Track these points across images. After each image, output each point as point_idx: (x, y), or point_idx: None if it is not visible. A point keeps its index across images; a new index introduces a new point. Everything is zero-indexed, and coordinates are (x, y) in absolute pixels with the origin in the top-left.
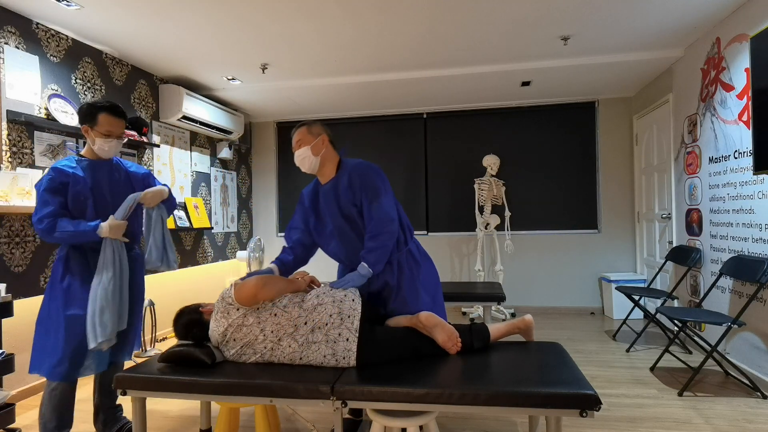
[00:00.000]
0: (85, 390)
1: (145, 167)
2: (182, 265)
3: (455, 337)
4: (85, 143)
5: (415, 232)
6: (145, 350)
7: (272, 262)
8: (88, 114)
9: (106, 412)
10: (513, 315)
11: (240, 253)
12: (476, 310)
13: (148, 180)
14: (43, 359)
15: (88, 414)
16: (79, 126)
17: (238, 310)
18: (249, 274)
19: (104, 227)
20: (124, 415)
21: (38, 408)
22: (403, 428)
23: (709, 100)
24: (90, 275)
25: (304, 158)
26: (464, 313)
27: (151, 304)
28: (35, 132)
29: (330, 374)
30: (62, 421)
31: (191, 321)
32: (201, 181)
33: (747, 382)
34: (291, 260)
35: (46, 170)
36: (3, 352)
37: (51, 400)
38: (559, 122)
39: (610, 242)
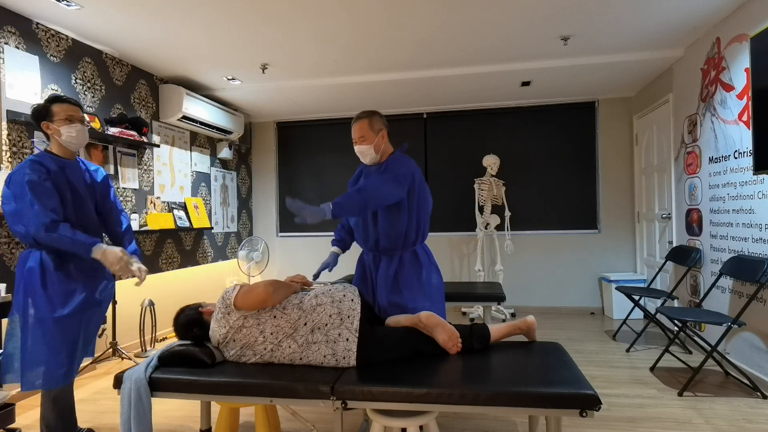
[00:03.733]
0: (84, 390)
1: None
2: (182, 265)
3: (456, 337)
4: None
5: None
6: (145, 350)
7: (333, 244)
8: (40, 111)
9: None
10: (513, 315)
11: (240, 253)
12: (476, 310)
13: (108, 183)
14: (37, 371)
15: (88, 413)
16: (38, 130)
17: (238, 311)
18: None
19: (102, 252)
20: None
21: (39, 410)
22: (403, 428)
23: (709, 100)
24: (68, 271)
25: (366, 155)
26: (464, 313)
27: (151, 304)
28: (35, 132)
29: (330, 374)
30: (67, 425)
31: (191, 321)
32: (201, 181)
33: (747, 382)
34: (346, 235)
35: (10, 166)
36: (3, 352)
37: (55, 408)
38: (559, 122)
39: (610, 242)
